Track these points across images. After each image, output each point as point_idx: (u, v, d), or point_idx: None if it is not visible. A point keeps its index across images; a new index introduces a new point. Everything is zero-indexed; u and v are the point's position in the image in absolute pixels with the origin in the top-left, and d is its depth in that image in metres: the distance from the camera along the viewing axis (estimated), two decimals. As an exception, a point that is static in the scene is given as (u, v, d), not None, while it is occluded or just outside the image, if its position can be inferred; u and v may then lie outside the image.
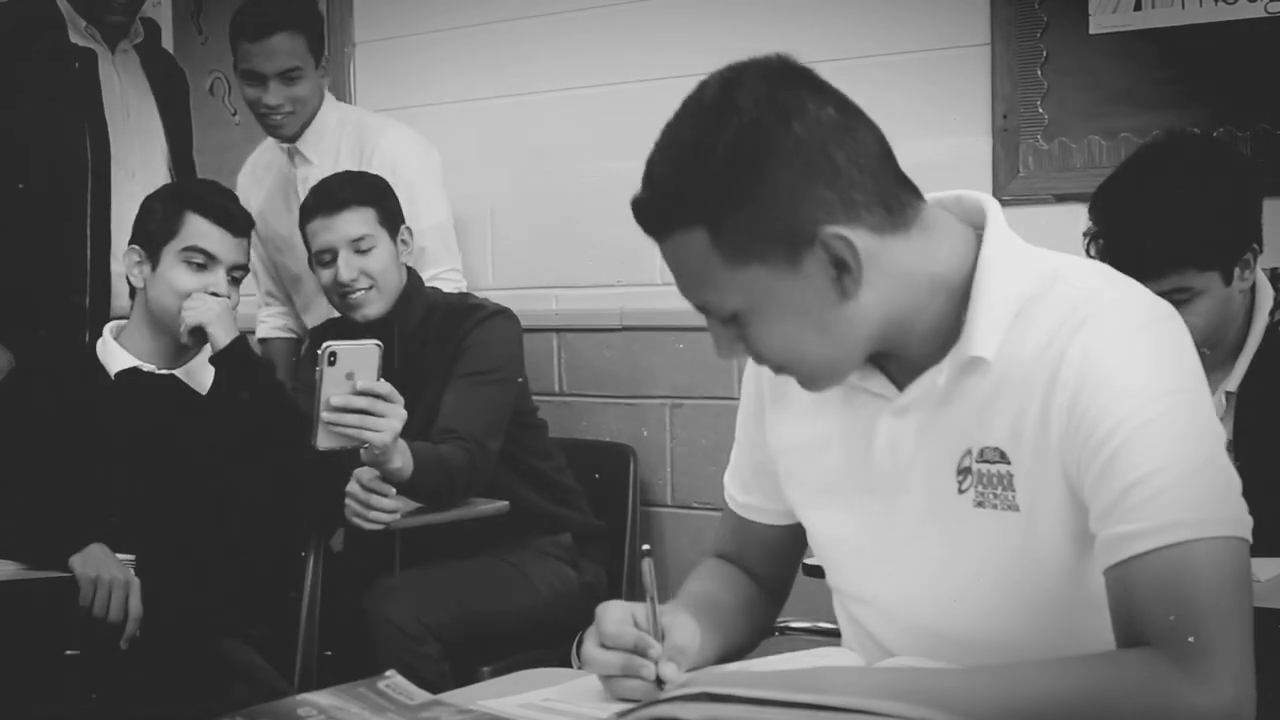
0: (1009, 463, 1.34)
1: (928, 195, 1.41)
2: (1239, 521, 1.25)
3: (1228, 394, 2.27)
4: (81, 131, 3.08)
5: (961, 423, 1.36)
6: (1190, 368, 1.31)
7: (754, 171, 1.25)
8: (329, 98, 3.35)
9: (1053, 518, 1.32)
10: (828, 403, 1.45)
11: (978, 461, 1.35)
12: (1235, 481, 1.28)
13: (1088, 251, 2.26)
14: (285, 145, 3.33)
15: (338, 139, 3.27)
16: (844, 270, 1.28)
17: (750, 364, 1.56)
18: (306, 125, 3.28)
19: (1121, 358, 1.28)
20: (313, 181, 3.08)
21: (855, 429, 1.43)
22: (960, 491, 1.37)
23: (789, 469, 1.53)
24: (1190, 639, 1.19)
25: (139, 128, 3.22)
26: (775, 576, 1.65)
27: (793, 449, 1.52)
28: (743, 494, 1.63)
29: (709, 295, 1.31)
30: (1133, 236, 2.16)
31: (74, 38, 3.11)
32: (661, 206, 1.29)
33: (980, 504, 1.36)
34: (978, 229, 1.39)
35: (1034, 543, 1.34)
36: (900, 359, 1.39)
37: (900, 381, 1.40)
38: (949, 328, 1.35)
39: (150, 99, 3.24)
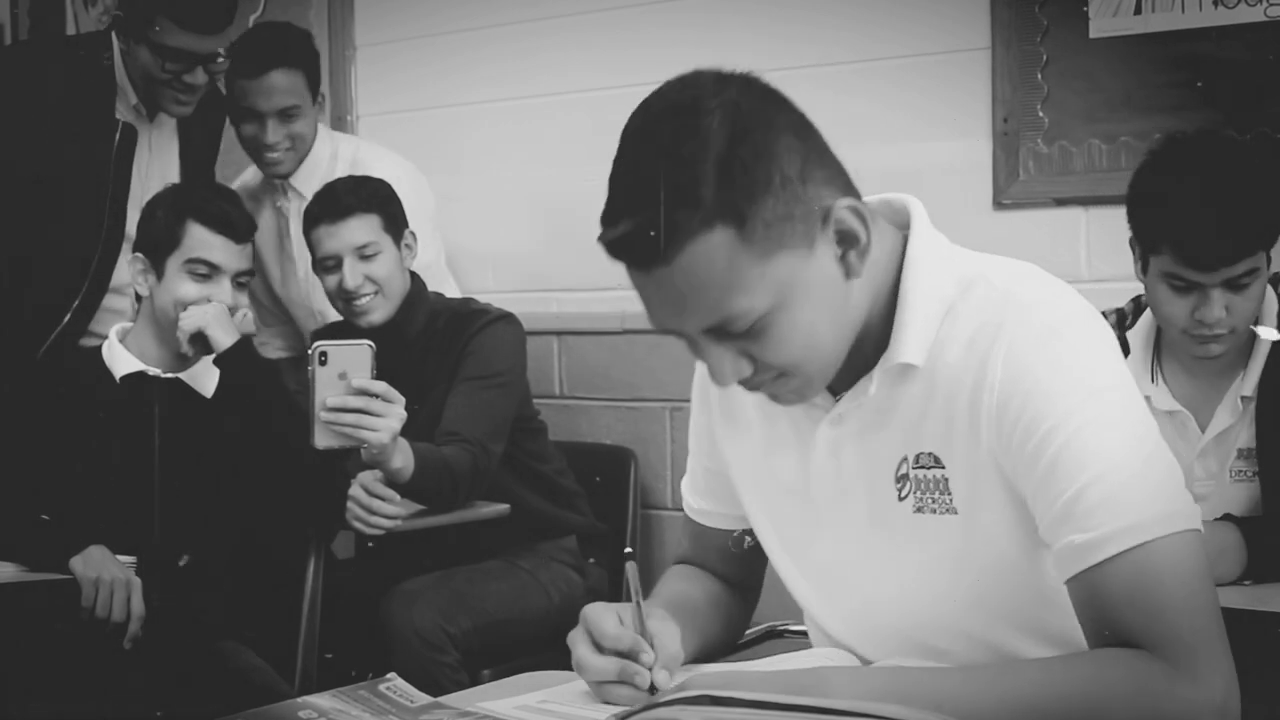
0: (943, 466, 1.34)
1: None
2: (1189, 514, 1.26)
3: (1243, 398, 2.27)
4: (102, 212, 2.98)
5: (897, 430, 1.37)
6: (1114, 363, 1.32)
7: (765, 155, 1.22)
8: (322, 129, 3.33)
9: (992, 517, 1.33)
10: (774, 411, 1.44)
11: (914, 467, 1.36)
12: (1176, 471, 1.29)
13: (1135, 252, 2.26)
14: (278, 180, 3.30)
15: (330, 173, 3.19)
16: (850, 245, 1.28)
17: (697, 374, 1.55)
18: (301, 161, 3.25)
19: (1045, 360, 1.28)
20: (302, 216, 3.07)
21: (798, 438, 1.44)
22: (900, 499, 1.38)
23: (740, 477, 1.53)
24: (1173, 639, 1.20)
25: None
26: (741, 578, 1.65)
27: (743, 458, 1.52)
28: (698, 500, 1.63)
29: (737, 302, 1.24)
30: (1210, 228, 2.15)
31: (120, 111, 3.00)
32: (671, 222, 1.21)
33: (919, 509, 1.36)
34: (904, 230, 1.39)
35: (975, 543, 1.35)
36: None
37: (836, 389, 1.40)
38: (879, 331, 1.35)
39: (175, 169, 3.14)
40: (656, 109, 1.26)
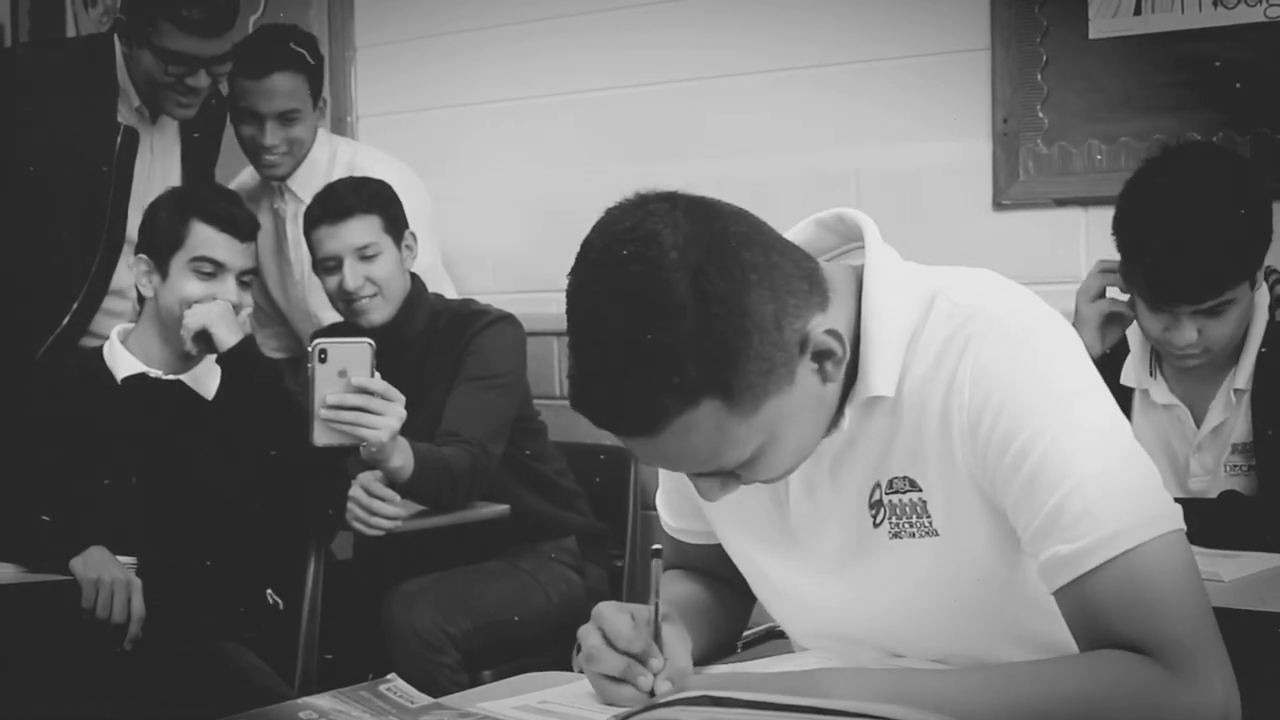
0: (920, 489, 1.33)
1: (813, 216, 1.40)
2: (1171, 515, 1.25)
3: (1236, 390, 2.28)
4: (103, 214, 2.99)
5: (867, 457, 1.35)
6: (1082, 366, 1.30)
7: (739, 315, 1.18)
8: (322, 133, 3.33)
9: (973, 533, 1.32)
10: None
11: (887, 493, 1.35)
12: (1154, 471, 1.28)
13: (1122, 276, 2.26)
14: (275, 182, 3.31)
15: (328, 176, 3.17)
16: (828, 358, 1.27)
17: None
18: (298, 164, 3.26)
19: (1013, 370, 1.27)
20: (299, 219, 3.07)
21: None
22: (875, 525, 1.36)
23: (711, 512, 1.52)
24: (1170, 643, 1.20)
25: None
26: (735, 577, 1.61)
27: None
28: (675, 519, 1.62)
29: (727, 456, 1.25)
30: (1182, 265, 2.15)
31: (122, 113, 3.00)
32: (654, 402, 1.18)
33: (897, 534, 1.35)
34: (857, 243, 1.38)
35: (959, 562, 1.34)
36: None
37: None
38: (847, 366, 1.32)
39: (177, 172, 3.14)
40: (614, 275, 1.19)
